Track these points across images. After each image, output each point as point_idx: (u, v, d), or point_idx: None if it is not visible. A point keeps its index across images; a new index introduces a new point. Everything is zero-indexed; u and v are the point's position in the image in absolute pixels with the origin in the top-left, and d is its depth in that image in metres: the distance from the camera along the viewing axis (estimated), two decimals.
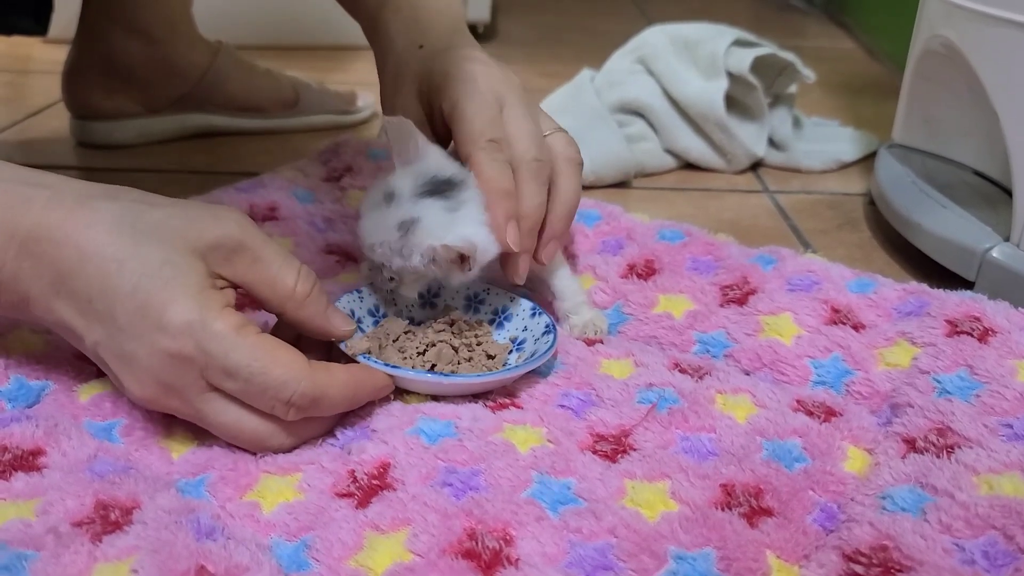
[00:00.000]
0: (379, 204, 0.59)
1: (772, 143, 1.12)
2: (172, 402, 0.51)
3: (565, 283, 0.67)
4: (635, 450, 0.53)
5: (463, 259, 0.57)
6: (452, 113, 0.62)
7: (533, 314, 0.65)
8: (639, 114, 1.10)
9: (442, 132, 0.66)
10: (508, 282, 0.64)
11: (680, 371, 0.60)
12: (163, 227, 0.50)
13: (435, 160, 0.61)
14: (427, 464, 0.51)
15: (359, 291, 0.65)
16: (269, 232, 0.79)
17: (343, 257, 0.78)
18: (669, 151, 1.10)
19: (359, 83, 1.27)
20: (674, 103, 1.09)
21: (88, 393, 0.57)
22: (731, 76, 1.07)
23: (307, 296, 0.54)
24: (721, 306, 0.68)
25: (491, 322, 0.67)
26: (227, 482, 0.51)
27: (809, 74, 1.10)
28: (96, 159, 1.07)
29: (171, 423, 0.55)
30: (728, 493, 0.49)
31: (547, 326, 0.63)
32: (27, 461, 0.50)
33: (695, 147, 1.09)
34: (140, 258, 0.49)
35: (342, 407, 0.53)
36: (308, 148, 1.13)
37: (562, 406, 0.57)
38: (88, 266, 0.49)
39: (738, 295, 0.68)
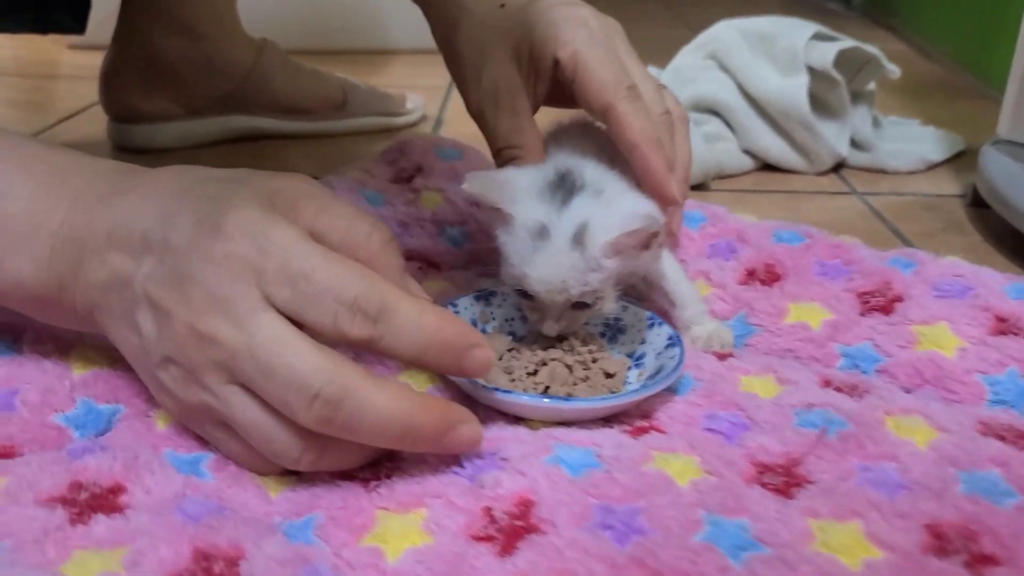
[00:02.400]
0: (535, 248, 0.51)
1: (852, 143, 1.05)
2: (220, 333, 0.42)
3: (683, 288, 0.60)
4: (811, 483, 0.45)
5: (649, 237, 0.51)
6: (574, 61, 0.57)
7: (651, 324, 0.58)
8: (714, 112, 1.03)
9: (544, 91, 0.60)
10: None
11: (836, 389, 0.53)
12: (226, 176, 0.47)
13: (524, 173, 0.55)
14: (576, 501, 0.43)
15: (453, 304, 0.58)
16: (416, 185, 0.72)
17: (425, 263, 0.70)
18: (747, 151, 1.03)
19: (396, 86, 1.20)
20: (751, 100, 1.02)
21: (167, 419, 0.49)
22: (811, 71, 1.00)
23: (383, 247, 0.47)
24: (862, 315, 0.60)
25: (602, 335, 0.59)
26: (339, 523, 0.43)
27: (894, 69, 1.04)
28: (135, 164, 1.00)
29: None
30: (937, 536, 0.41)
31: (670, 338, 0.56)
32: (107, 501, 0.43)
33: (775, 147, 1.02)
34: (201, 188, 0.46)
35: (384, 440, 0.43)
36: (358, 152, 1.06)
37: (710, 430, 0.50)
38: (147, 203, 0.46)
39: (881, 302, 0.60)
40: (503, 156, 0.60)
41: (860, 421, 0.49)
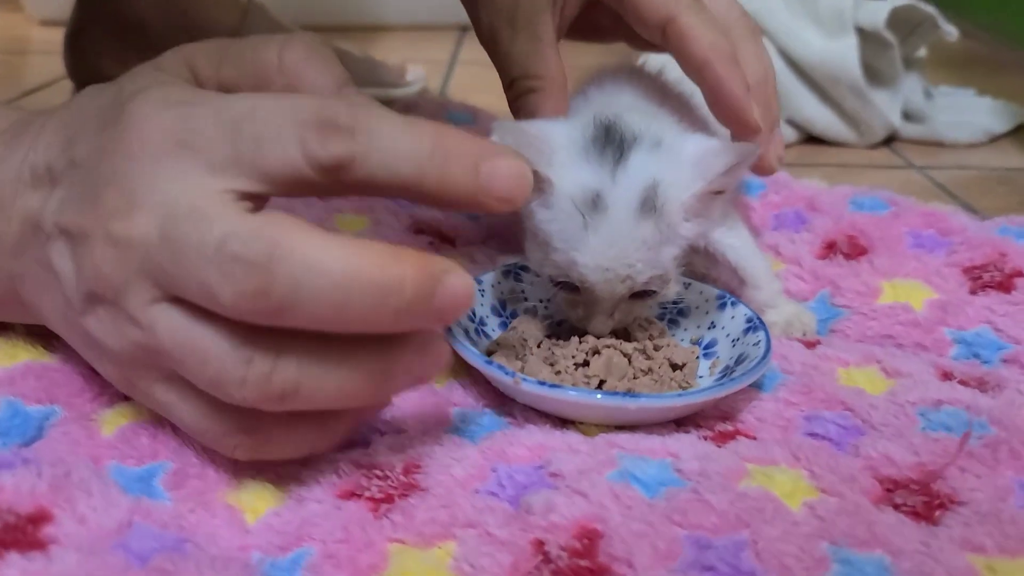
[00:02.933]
0: (588, 224, 0.40)
1: (903, 114, 0.94)
2: (135, 229, 0.32)
3: (756, 263, 0.49)
4: (959, 504, 0.35)
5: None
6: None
7: (722, 304, 0.47)
8: None
9: (573, 12, 0.51)
10: None
11: (960, 383, 0.42)
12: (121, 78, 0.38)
13: (563, 127, 0.43)
14: (658, 532, 0.32)
15: (478, 281, 0.47)
16: (339, 207, 0.61)
17: (436, 237, 0.59)
18: (790, 121, 0.92)
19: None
20: (794, 65, 0.92)
21: (114, 423, 0.38)
22: (860, 32, 0.90)
23: (307, 60, 0.38)
24: (973, 293, 0.50)
25: (660, 318, 0.48)
26: (338, 562, 0.32)
27: (952, 30, 0.93)
28: None
29: (238, 462, 0.37)
30: None
31: (750, 320, 0.45)
32: (25, 534, 0.32)
33: (821, 117, 0.91)
34: (98, 98, 0.37)
35: (346, 318, 0.31)
36: None
37: (813, 435, 0.39)
38: (51, 137, 0.37)
39: (997, 278, 0.50)
40: (517, 88, 0.48)
41: (1005, 423, 0.39)
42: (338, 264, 0.30)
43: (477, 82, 0.86)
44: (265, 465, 0.36)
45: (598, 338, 0.43)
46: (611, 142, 0.41)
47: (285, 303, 0.30)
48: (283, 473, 0.36)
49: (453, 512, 0.34)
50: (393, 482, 0.35)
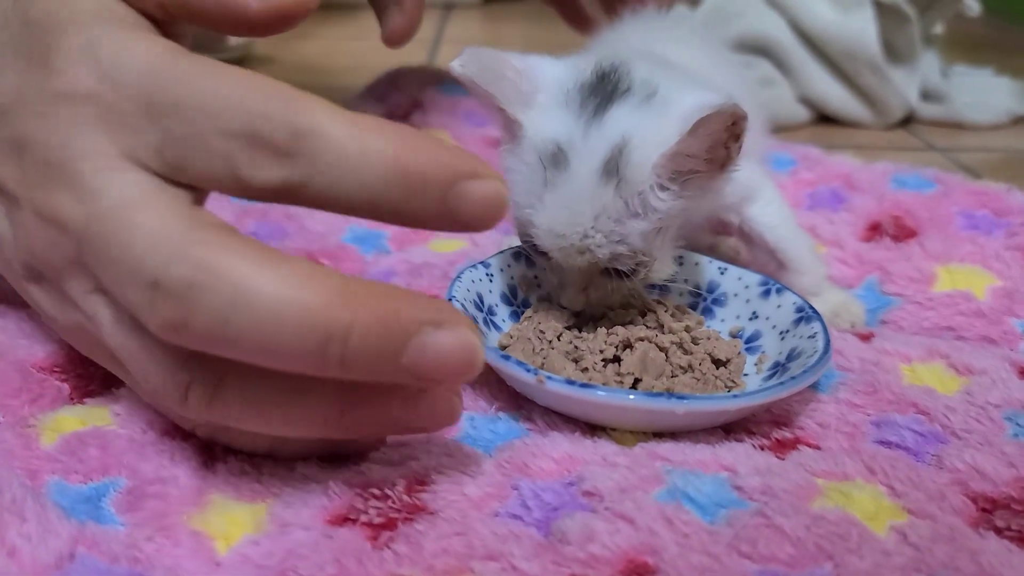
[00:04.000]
0: (547, 180, 0.35)
1: (921, 94, 0.89)
2: (63, 211, 0.28)
3: (798, 245, 0.44)
4: None
5: (734, 135, 0.34)
6: None
7: (766, 292, 0.41)
8: (764, 54, 0.87)
9: None
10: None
11: None
12: None
13: (558, 66, 0.38)
14: (724, 567, 0.26)
15: (485, 264, 0.41)
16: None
17: None
18: (802, 99, 0.86)
19: (374, 39, 1.03)
20: (806, 39, 0.86)
21: (56, 430, 0.32)
22: (877, 6, 0.84)
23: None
24: None
25: (693, 307, 0.43)
26: None
27: (973, 4, 0.88)
28: None
29: (207, 476, 0.31)
30: None
31: (801, 310, 0.39)
32: None
33: (835, 94, 0.86)
34: (23, 12, 0.31)
35: (285, 355, 0.25)
36: None
37: (885, 442, 0.34)
38: None
39: None
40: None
41: None
42: (268, 297, 0.25)
43: None
44: (240, 482, 0.30)
45: (609, 325, 0.38)
46: (600, 90, 0.36)
47: (209, 337, 0.25)
48: (262, 491, 0.30)
49: (469, 540, 0.28)
50: (395, 503, 0.29)
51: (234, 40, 0.98)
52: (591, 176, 0.34)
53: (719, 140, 0.34)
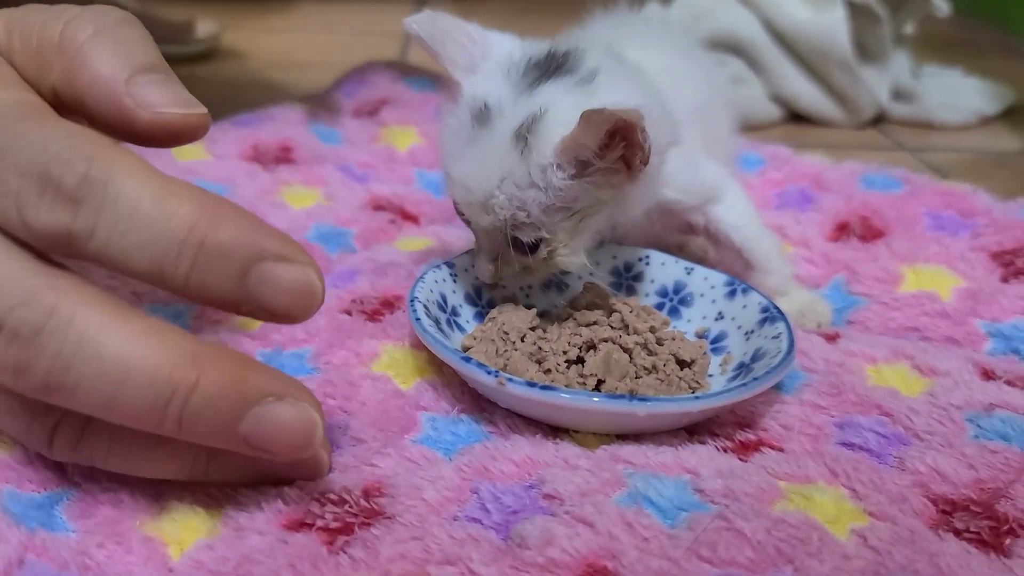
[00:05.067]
0: (471, 133, 0.36)
1: (892, 93, 0.90)
2: None
3: (764, 244, 0.44)
4: None
5: (630, 141, 0.34)
6: None
7: (732, 292, 0.41)
8: (735, 51, 0.87)
9: None
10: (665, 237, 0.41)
11: (1007, 383, 0.37)
12: None
13: (506, 41, 0.39)
14: (685, 571, 0.26)
15: (450, 265, 0.41)
16: (287, 180, 0.54)
17: (398, 215, 0.52)
18: (774, 97, 0.87)
19: (350, 32, 1.02)
20: (779, 37, 0.86)
21: (12, 441, 0.31)
22: (849, 6, 0.85)
23: (84, 43, 0.28)
24: (1005, 281, 0.44)
25: (659, 308, 0.42)
26: None
27: (942, 5, 0.88)
28: None
29: (162, 483, 0.30)
30: None
31: (765, 310, 0.39)
32: None
33: (807, 93, 0.86)
34: None
35: (125, 409, 0.25)
36: None
37: (848, 444, 0.33)
38: None
39: None
40: None
41: None
42: (113, 350, 0.24)
43: None
44: (196, 488, 0.30)
45: (574, 326, 0.38)
46: (544, 66, 0.37)
47: (51, 385, 0.24)
48: (217, 495, 0.30)
49: (426, 545, 0.27)
50: (351, 508, 0.29)
51: (202, 32, 0.97)
52: (506, 138, 0.35)
53: (608, 142, 0.34)
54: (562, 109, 0.35)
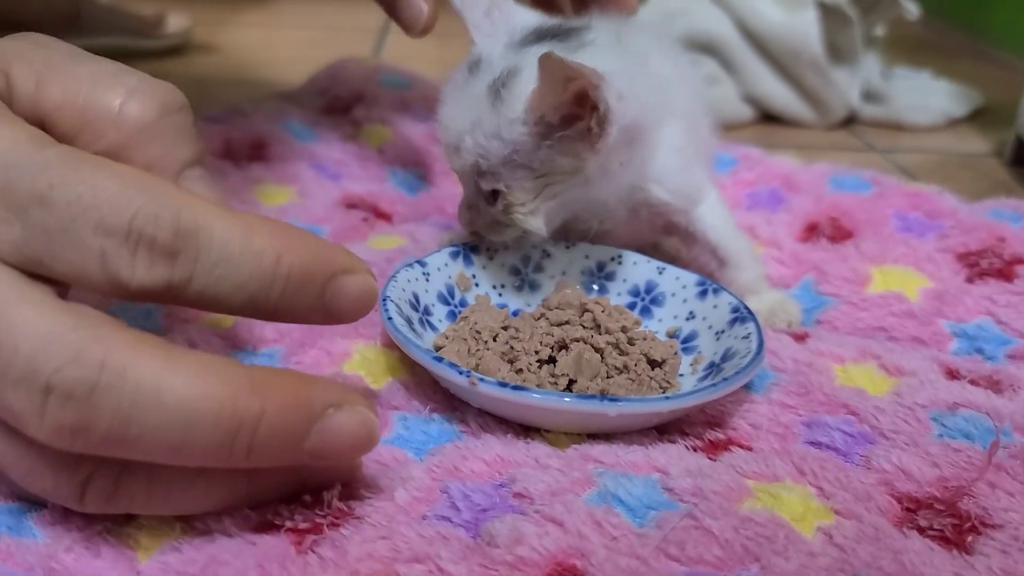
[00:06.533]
0: (462, 81, 0.39)
1: (862, 95, 0.91)
2: None
3: (738, 244, 0.44)
4: (994, 527, 0.29)
5: (588, 107, 0.35)
6: None
7: (703, 292, 0.41)
8: (708, 51, 0.87)
9: None
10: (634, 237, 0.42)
11: (971, 383, 0.38)
12: None
13: (530, 16, 0.42)
14: (653, 569, 0.26)
15: (421, 263, 0.41)
16: (259, 177, 0.54)
17: (371, 213, 0.52)
18: (747, 98, 0.87)
19: (326, 26, 1.01)
20: (752, 38, 0.87)
21: None
22: (820, 7, 0.85)
23: (147, 127, 0.28)
24: (970, 282, 0.45)
25: (631, 307, 0.43)
26: None
27: (912, 8, 0.89)
28: None
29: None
30: None
31: (735, 310, 0.39)
32: None
33: (779, 94, 0.87)
34: None
35: (185, 451, 0.25)
36: None
37: (816, 443, 0.34)
38: None
39: (996, 266, 0.45)
40: None
41: None
42: (174, 396, 0.24)
43: (409, 51, 0.79)
44: None
45: (554, 325, 0.38)
46: (547, 33, 0.40)
47: (112, 439, 0.24)
48: None
49: (395, 544, 0.27)
50: (321, 509, 0.28)
51: (173, 27, 0.96)
52: (484, 87, 0.37)
53: (575, 110, 0.35)
54: (532, 69, 0.36)
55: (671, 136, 0.41)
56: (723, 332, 0.39)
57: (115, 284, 0.25)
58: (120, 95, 0.28)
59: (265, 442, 0.25)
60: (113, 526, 0.28)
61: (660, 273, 0.43)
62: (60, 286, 0.27)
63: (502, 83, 0.37)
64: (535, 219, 0.39)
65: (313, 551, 0.27)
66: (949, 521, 0.30)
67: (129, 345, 0.24)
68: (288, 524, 0.28)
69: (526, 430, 0.34)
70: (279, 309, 0.27)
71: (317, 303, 0.28)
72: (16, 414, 0.24)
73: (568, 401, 0.32)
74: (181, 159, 0.29)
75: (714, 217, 0.43)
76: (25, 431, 0.24)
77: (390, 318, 0.36)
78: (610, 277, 0.44)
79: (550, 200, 0.39)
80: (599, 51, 0.38)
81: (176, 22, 0.98)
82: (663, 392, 0.36)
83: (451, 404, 0.35)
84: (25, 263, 0.25)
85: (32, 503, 0.29)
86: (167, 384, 0.24)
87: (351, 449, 0.27)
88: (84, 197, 0.25)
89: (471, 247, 0.43)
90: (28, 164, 0.25)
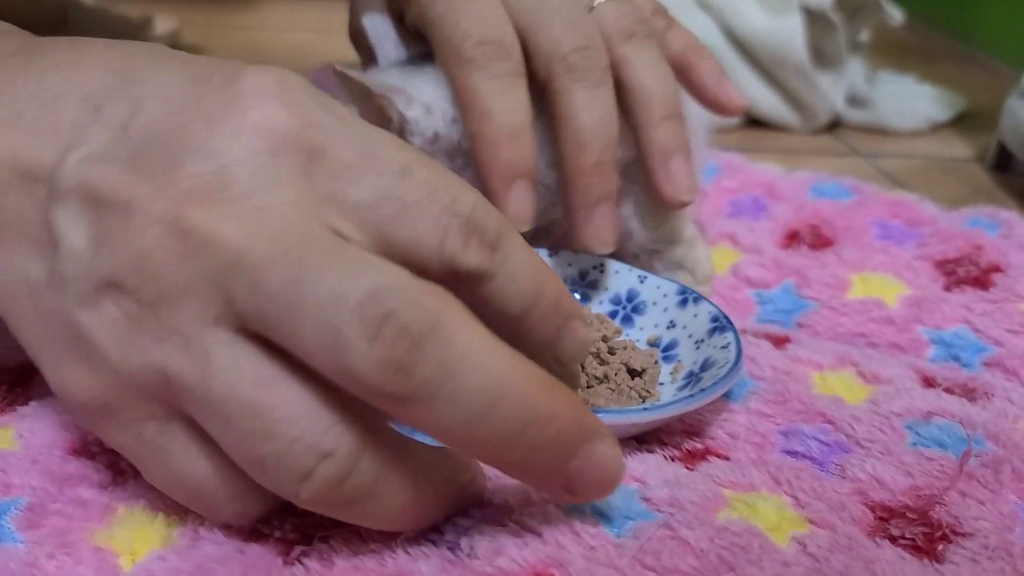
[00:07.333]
0: None
1: (847, 99, 0.91)
2: (222, 233, 0.25)
3: (697, 252, 0.45)
4: (965, 536, 0.30)
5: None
6: (423, 18, 0.41)
7: (683, 301, 0.42)
8: None
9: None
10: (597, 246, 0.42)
11: (945, 390, 0.38)
12: None
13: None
14: None
15: None
16: None
17: None
18: None
19: (307, 30, 1.01)
20: (738, 44, 0.87)
21: None
22: (805, 12, 0.86)
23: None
24: (948, 289, 0.46)
25: (613, 315, 0.43)
26: None
27: (896, 14, 0.90)
28: None
29: (115, 491, 0.30)
30: None
31: (715, 319, 0.40)
32: None
33: (765, 99, 0.87)
34: (178, 56, 0.30)
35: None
36: None
37: (792, 452, 0.34)
38: (82, 69, 0.29)
39: (973, 274, 0.46)
40: None
41: (1002, 439, 0.35)
42: (497, 370, 0.24)
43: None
44: (152, 496, 0.30)
45: None
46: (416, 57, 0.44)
47: (422, 392, 0.24)
48: (172, 503, 0.30)
49: (380, 558, 0.28)
50: (311, 519, 0.29)
51: (160, 29, 0.96)
52: None
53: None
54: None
55: None
56: (703, 341, 0.39)
57: (444, 256, 0.27)
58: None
59: (546, 445, 0.25)
60: (99, 529, 0.28)
61: (641, 282, 0.43)
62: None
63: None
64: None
65: (300, 562, 0.28)
66: (920, 530, 0.30)
67: (463, 313, 0.25)
68: (277, 534, 0.28)
69: None
70: (531, 332, 0.29)
71: (554, 337, 0.30)
72: (339, 337, 0.23)
73: None
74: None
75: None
76: (332, 359, 0.24)
77: None
78: (592, 286, 0.44)
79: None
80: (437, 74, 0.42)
81: (163, 24, 0.98)
82: (643, 401, 0.37)
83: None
84: (364, 222, 0.26)
85: (7, 502, 0.29)
86: (491, 360, 0.24)
87: (604, 481, 0.27)
88: (440, 181, 0.27)
89: None
90: (382, 134, 0.28)
